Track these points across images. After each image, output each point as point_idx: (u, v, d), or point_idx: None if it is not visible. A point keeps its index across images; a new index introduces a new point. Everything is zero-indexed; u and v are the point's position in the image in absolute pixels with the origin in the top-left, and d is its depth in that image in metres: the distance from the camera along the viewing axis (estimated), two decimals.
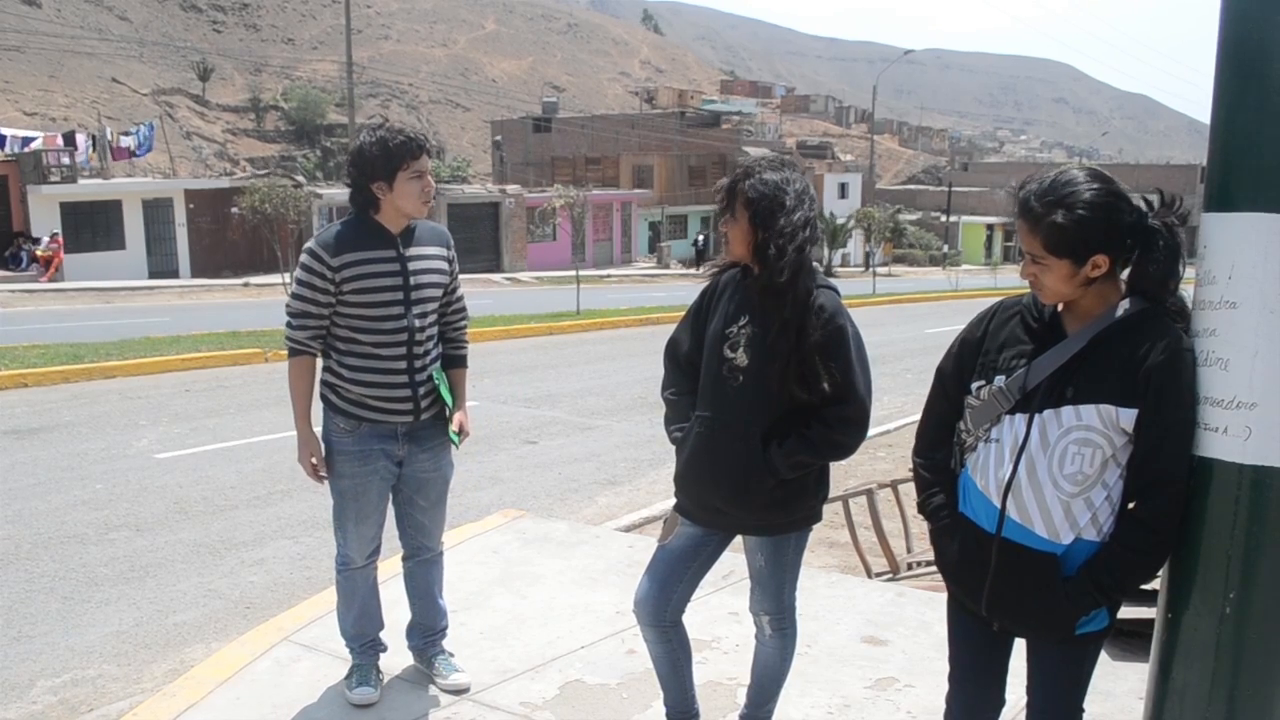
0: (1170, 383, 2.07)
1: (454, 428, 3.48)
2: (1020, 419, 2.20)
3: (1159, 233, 2.14)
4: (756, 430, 2.71)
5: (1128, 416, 2.10)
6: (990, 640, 2.38)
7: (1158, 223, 2.15)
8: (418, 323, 3.34)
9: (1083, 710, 2.36)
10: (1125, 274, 2.20)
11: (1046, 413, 2.16)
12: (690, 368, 2.91)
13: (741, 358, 2.72)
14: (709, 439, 2.79)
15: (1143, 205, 2.19)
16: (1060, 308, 2.23)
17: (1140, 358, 2.09)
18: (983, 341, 2.32)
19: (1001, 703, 2.46)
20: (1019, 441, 2.20)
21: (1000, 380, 2.23)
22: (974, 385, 2.30)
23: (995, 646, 2.39)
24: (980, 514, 2.27)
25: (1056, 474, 2.15)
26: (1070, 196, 2.10)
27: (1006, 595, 2.24)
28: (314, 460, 3.35)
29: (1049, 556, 2.18)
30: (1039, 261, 2.15)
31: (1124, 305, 2.15)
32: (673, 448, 2.95)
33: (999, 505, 2.22)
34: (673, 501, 3.00)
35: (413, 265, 3.33)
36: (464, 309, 3.61)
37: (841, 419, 2.67)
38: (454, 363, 3.56)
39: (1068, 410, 2.14)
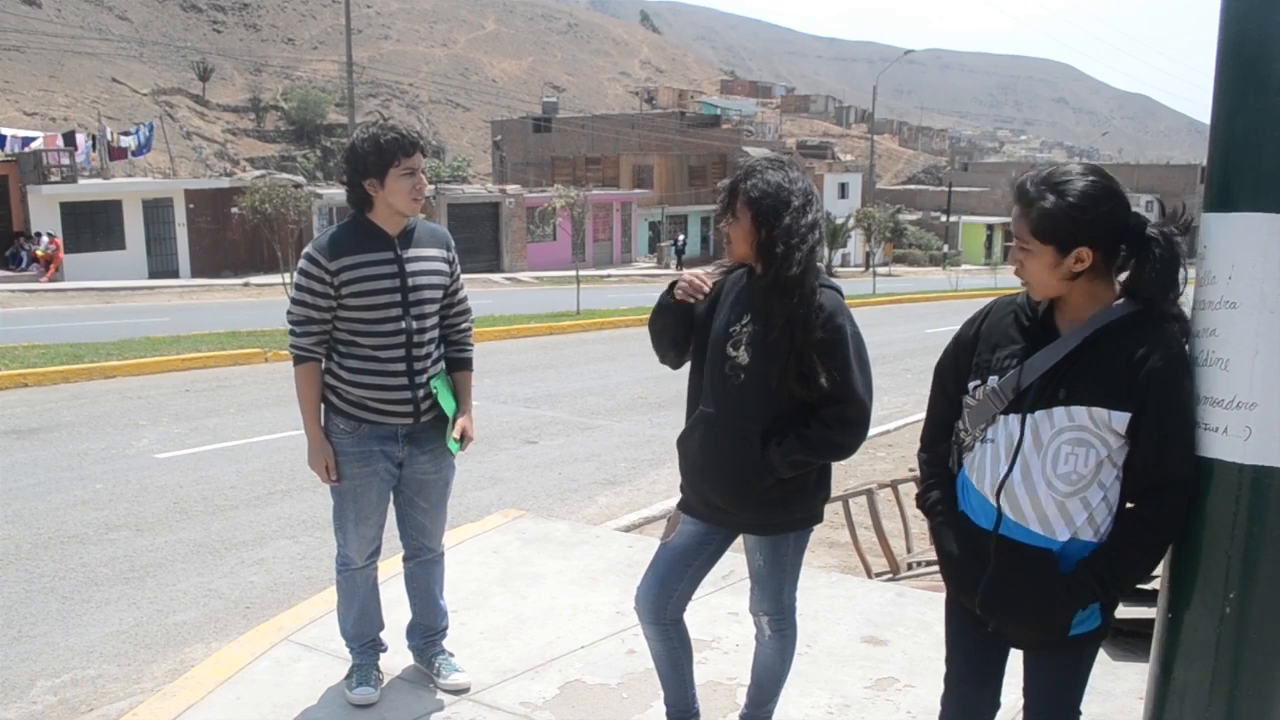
0: (1171, 388, 2.06)
1: (455, 434, 3.46)
2: (1014, 419, 2.20)
3: (1155, 241, 2.12)
4: (756, 428, 2.72)
5: (1120, 419, 2.09)
6: (988, 641, 2.37)
7: (1155, 232, 2.13)
8: (415, 325, 3.33)
9: (1080, 713, 2.35)
10: (1123, 278, 2.19)
11: (1039, 413, 2.16)
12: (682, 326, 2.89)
13: (743, 356, 2.73)
14: (710, 435, 2.80)
15: (1144, 214, 2.19)
16: (1053, 306, 2.22)
17: (1136, 362, 2.08)
18: (976, 340, 2.32)
19: (996, 705, 2.46)
20: (1014, 442, 2.20)
21: (994, 381, 2.23)
22: (970, 385, 2.30)
23: (992, 647, 2.39)
24: (978, 512, 2.27)
25: (1050, 474, 2.15)
26: (1065, 184, 2.11)
27: (1003, 591, 2.24)
28: (327, 464, 3.35)
29: (1046, 552, 2.18)
30: (1025, 248, 2.16)
31: (1119, 306, 2.15)
32: (674, 448, 2.96)
33: (995, 504, 2.23)
34: (674, 501, 3.01)
35: (410, 267, 3.33)
36: (467, 311, 3.60)
37: (840, 419, 2.68)
38: (458, 365, 3.55)
39: (1060, 411, 2.14)
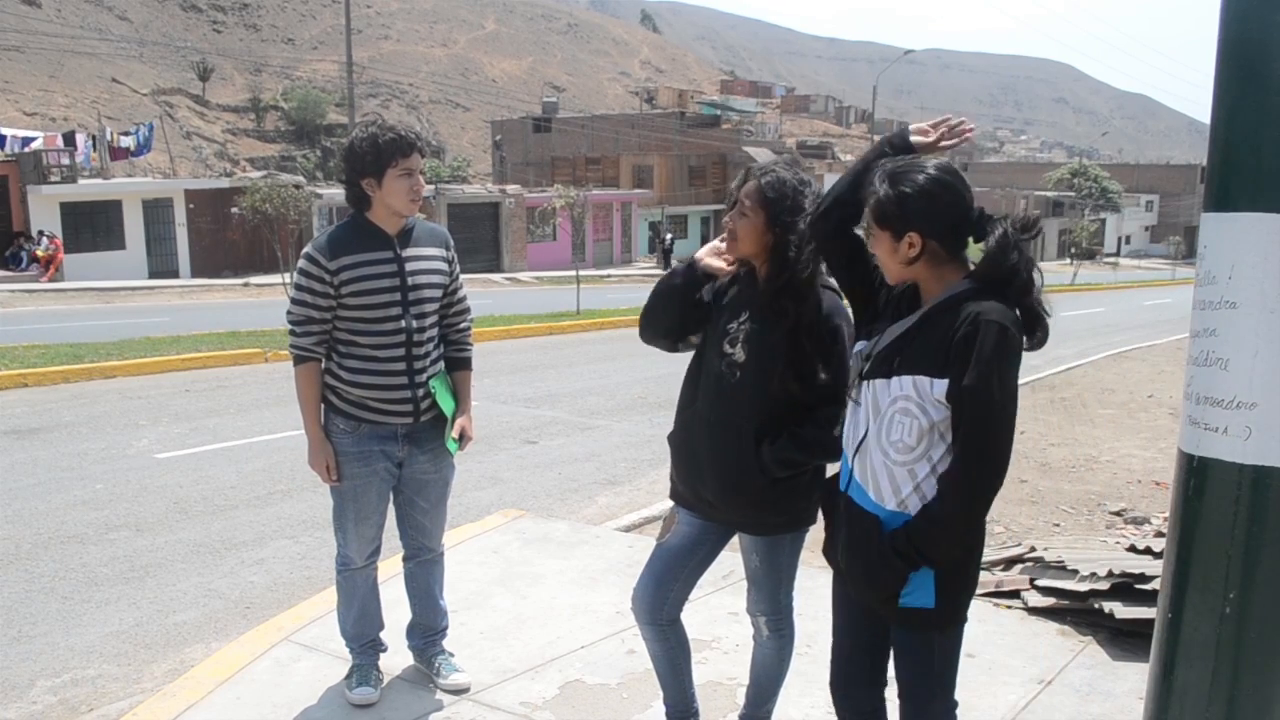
0: (967, 353, 2.14)
1: (454, 434, 3.46)
2: (869, 385, 2.33)
3: (993, 231, 2.21)
4: (750, 427, 2.72)
5: (940, 387, 2.18)
6: (866, 612, 2.43)
7: (1005, 227, 2.22)
8: (415, 324, 3.33)
9: (943, 701, 2.38)
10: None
11: (877, 382, 2.30)
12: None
13: (740, 353, 2.73)
14: (704, 432, 2.80)
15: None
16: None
17: (951, 330, 2.18)
18: (882, 307, 2.45)
19: (880, 682, 2.52)
20: (866, 406, 2.33)
21: (863, 345, 2.38)
22: (857, 347, 2.46)
23: (871, 618, 2.44)
24: (843, 469, 2.42)
25: (884, 441, 2.27)
26: (902, 176, 2.24)
27: (847, 550, 2.36)
28: (327, 464, 3.35)
29: (873, 518, 2.29)
30: (870, 234, 2.33)
31: (956, 284, 2.24)
32: (670, 448, 2.96)
33: (850, 464, 2.36)
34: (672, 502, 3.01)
35: (410, 266, 3.33)
36: (466, 310, 3.60)
37: (833, 420, 2.66)
38: (457, 364, 3.56)
39: (894, 381, 2.25)
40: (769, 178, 2.69)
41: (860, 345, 2.39)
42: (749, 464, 2.71)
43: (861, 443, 2.33)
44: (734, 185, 2.80)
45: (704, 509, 2.88)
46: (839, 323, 2.70)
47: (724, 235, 2.82)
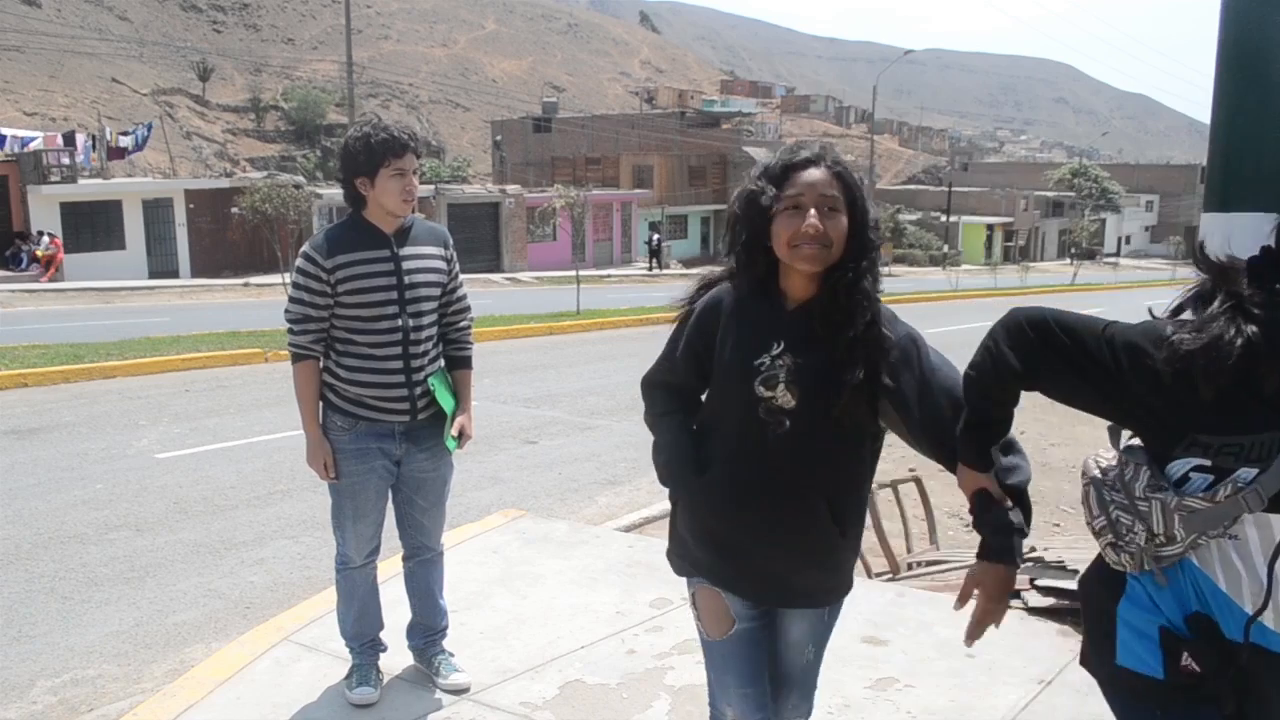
0: None
1: (453, 432, 3.47)
2: (1275, 518, 1.74)
3: None
4: (819, 486, 2.15)
5: None
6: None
7: None
8: (412, 322, 3.33)
9: None
10: None
11: None
12: (680, 392, 2.38)
13: (784, 396, 2.12)
14: (756, 501, 2.17)
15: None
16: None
17: None
18: (1179, 388, 1.72)
19: None
20: (1275, 543, 1.76)
21: (1246, 474, 1.70)
22: (1182, 463, 1.77)
23: None
24: (1226, 618, 1.85)
25: None
26: None
27: (1271, 702, 1.88)
28: (325, 462, 3.35)
29: None
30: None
31: None
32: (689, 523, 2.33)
33: (1251, 611, 1.81)
34: (668, 509, 2.57)
35: (407, 265, 3.33)
36: (466, 309, 3.60)
37: (1009, 444, 2.05)
38: (457, 363, 3.56)
39: None
40: (838, 166, 2.14)
41: (1242, 473, 1.69)
42: (828, 529, 2.19)
43: (1272, 587, 1.75)
44: (763, 187, 2.13)
45: (765, 589, 2.27)
46: (906, 329, 2.18)
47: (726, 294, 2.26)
